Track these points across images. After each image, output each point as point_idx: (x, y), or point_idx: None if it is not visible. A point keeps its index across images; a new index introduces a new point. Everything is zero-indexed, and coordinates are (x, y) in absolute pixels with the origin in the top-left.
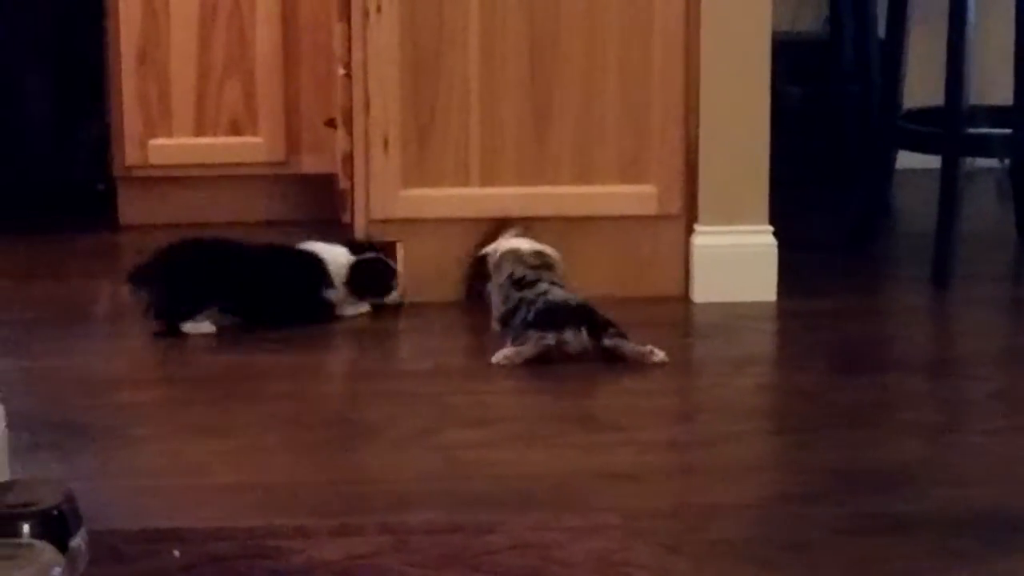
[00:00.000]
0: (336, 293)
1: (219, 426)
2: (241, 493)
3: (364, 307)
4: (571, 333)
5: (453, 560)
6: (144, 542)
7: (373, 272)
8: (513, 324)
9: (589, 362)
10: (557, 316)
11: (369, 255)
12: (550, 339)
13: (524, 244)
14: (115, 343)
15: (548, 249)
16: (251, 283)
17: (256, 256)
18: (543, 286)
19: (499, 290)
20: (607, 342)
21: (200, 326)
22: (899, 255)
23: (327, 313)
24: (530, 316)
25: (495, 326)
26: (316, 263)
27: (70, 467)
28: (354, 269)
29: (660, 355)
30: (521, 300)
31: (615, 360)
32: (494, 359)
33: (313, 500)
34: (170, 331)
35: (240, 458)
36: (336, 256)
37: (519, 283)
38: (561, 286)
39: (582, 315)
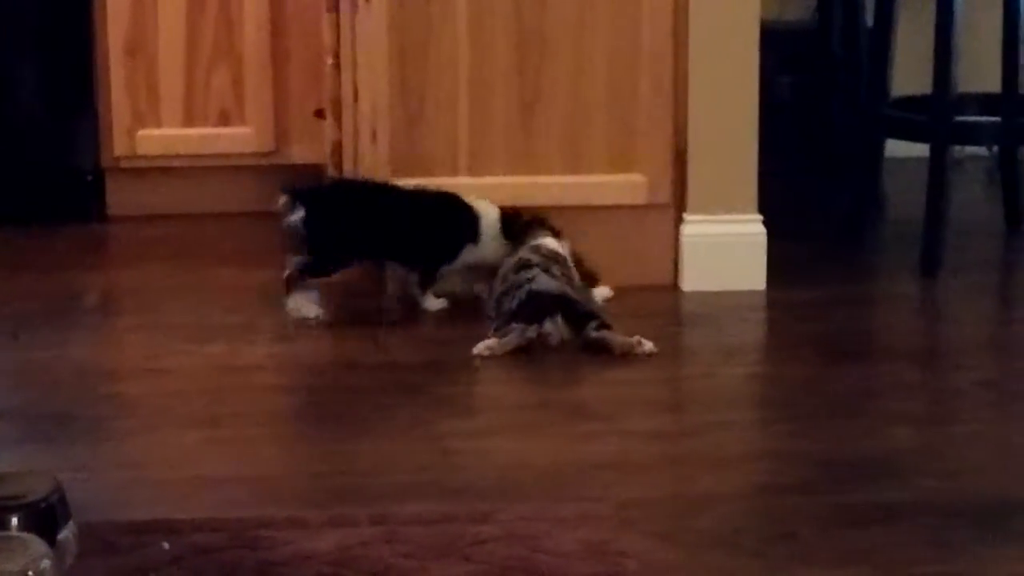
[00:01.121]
0: (475, 250)
1: (208, 418)
2: (231, 484)
3: (442, 304)
4: (551, 324)
5: (444, 550)
6: (133, 534)
7: (522, 220)
8: (502, 310)
9: (576, 352)
10: (539, 305)
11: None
12: (531, 332)
13: (550, 243)
14: (104, 334)
15: (567, 251)
16: (403, 233)
17: (416, 204)
18: (534, 271)
19: (500, 276)
20: (593, 334)
21: (309, 308)
22: (888, 244)
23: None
24: (513, 304)
25: (489, 311)
26: (472, 218)
27: (59, 459)
28: (504, 219)
29: (648, 346)
30: (512, 284)
31: (600, 352)
32: (475, 350)
33: (303, 491)
34: (312, 271)
35: (230, 449)
36: (488, 211)
37: (518, 266)
38: (556, 276)
39: (562, 305)
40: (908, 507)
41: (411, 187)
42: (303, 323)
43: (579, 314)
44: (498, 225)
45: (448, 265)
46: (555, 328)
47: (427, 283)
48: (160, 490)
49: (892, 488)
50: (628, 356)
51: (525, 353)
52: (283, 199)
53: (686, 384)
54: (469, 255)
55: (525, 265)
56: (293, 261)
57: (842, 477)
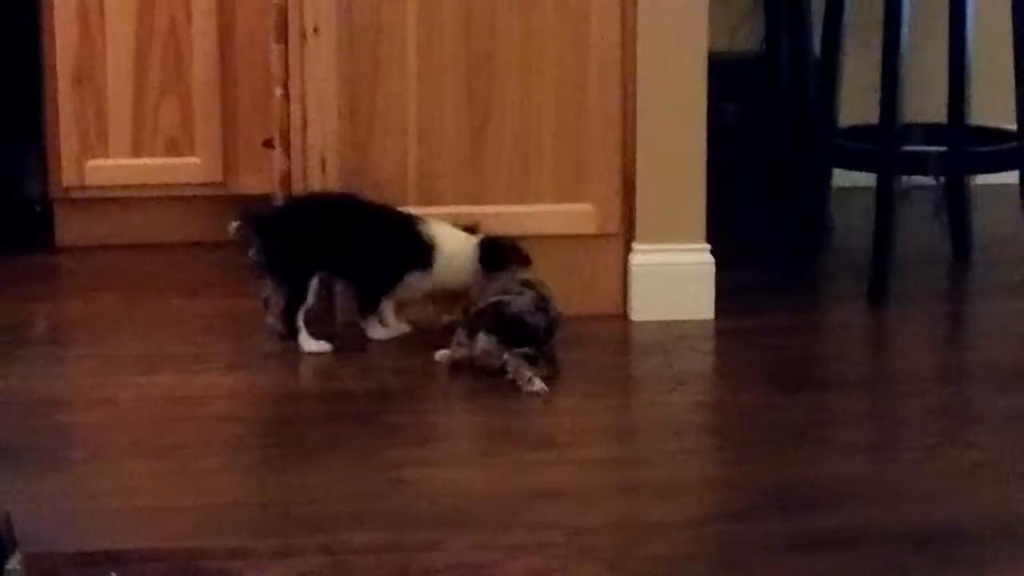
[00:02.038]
0: (422, 277)
1: (157, 448)
2: (179, 515)
3: (402, 330)
4: (484, 340)
5: None
6: (81, 564)
7: (503, 249)
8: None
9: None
10: (480, 320)
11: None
12: (466, 349)
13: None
14: (52, 365)
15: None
16: (363, 252)
17: (372, 224)
18: (524, 295)
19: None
20: (507, 356)
21: (320, 344)
22: (836, 273)
23: (392, 285)
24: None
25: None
26: (422, 245)
27: (6, 489)
28: (483, 247)
29: (538, 386)
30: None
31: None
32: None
33: (252, 521)
34: (291, 299)
35: (178, 480)
36: (454, 239)
37: (512, 286)
38: (520, 293)
39: (499, 323)
40: (857, 534)
41: (378, 204)
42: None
43: (510, 336)
44: (468, 254)
45: (389, 291)
46: (485, 343)
47: (367, 308)
48: (108, 520)
49: (841, 515)
50: (515, 384)
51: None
52: (235, 224)
53: (636, 413)
54: (417, 282)
55: (520, 287)
56: (274, 303)
57: (791, 505)
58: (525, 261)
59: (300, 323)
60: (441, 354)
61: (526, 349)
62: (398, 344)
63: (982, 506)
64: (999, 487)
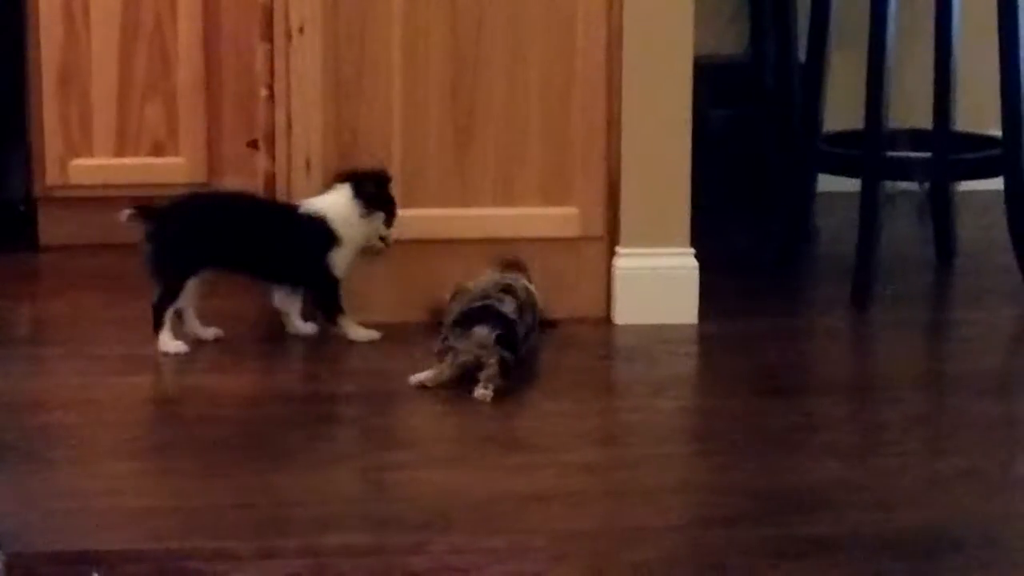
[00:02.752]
0: (342, 252)
1: (137, 448)
2: (160, 515)
3: (372, 334)
4: (482, 333)
5: None
6: (62, 564)
7: (372, 178)
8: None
9: (510, 384)
10: (473, 317)
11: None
12: (467, 355)
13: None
14: (34, 365)
15: (523, 286)
16: (254, 244)
17: (264, 215)
18: (506, 300)
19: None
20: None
21: (176, 344)
22: (820, 278)
23: (330, 279)
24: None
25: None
26: (321, 223)
27: None
28: (357, 186)
29: (488, 395)
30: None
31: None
32: (411, 380)
33: (232, 523)
34: (164, 294)
35: (159, 480)
36: (339, 208)
37: (495, 287)
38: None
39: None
40: (840, 540)
41: (274, 201)
42: (174, 358)
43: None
44: (347, 199)
45: (334, 280)
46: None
47: (332, 311)
48: (89, 521)
49: (824, 521)
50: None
51: (459, 384)
52: (126, 213)
53: (619, 417)
54: (340, 259)
55: (504, 289)
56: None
57: (775, 510)
58: (386, 180)
59: (166, 319)
60: (417, 378)
61: (509, 354)
62: (379, 346)
63: (965, 512)
64: (982, 493)
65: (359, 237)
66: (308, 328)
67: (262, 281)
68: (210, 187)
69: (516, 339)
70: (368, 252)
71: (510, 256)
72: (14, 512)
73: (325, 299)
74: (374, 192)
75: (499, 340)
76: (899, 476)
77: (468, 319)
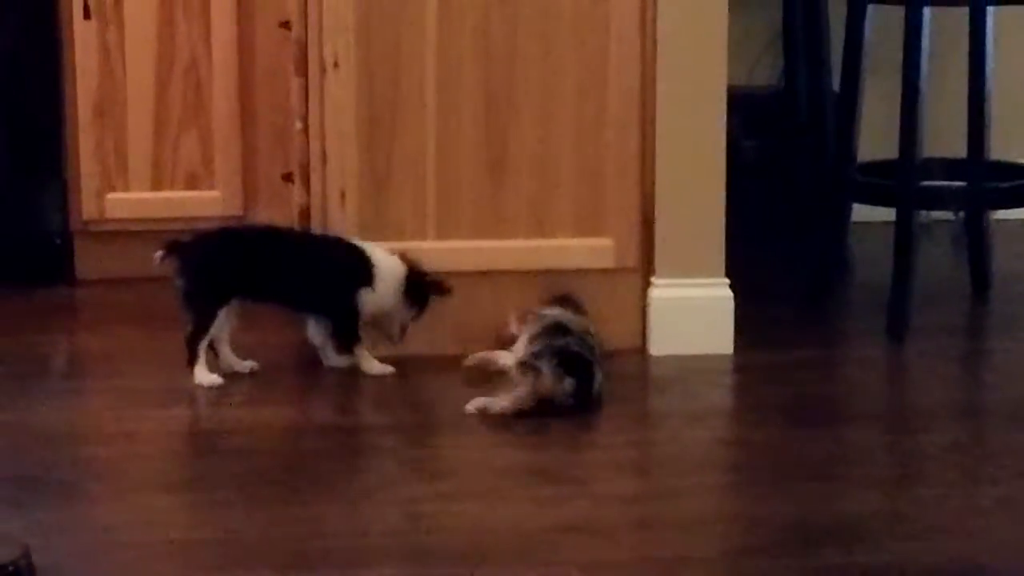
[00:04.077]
0: (373, 295)
1: (176, 481)
2: (198, 548)
3: (386, 369)
4: (569, 381)
5: None
6: None
7: (428, 284)
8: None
9: (545, 415)
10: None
11: (420, 268)
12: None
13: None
14: (72, 398)
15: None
16: (283, 274)
17: (293, 245)
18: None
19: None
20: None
21: (211, 378)
22: (855, 308)
23: (353, 313)
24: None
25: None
26: (365, 261)
27: (26, 523)
28: (413, 274)
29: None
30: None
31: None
32: (469, 406)
33: (271, 555)
34: (197, 326)
35: (196, 513)
36: (388, 260)
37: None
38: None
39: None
40: (876, 571)
41: (305, 231)
42: (209, 390)
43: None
44: (398, 280)
45: (356, 316)
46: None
47: (349, 343)
48: (128, 554)
49: (860, 552)
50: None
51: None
52: (159, 254)
53: (654, 448)
54: (369, 302)
55: (562, 329)
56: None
57: (811, 541)
58: (446, 292)
59: (200, 352)
60: (485, 402)
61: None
62: (414, 378)
63: (1003, 543)
64: (1020, 524)
65: (389, 300)
66: (343, 361)
67: (291, 311)
68: (242, 221)
69: (590, 394)
70: (380, 328)
71: (563, 292)
72: (52, 546)
73: (344, 330)
74: (423, 291)
75: (577, 391)
76: (937, 506)
77: (562, 355)
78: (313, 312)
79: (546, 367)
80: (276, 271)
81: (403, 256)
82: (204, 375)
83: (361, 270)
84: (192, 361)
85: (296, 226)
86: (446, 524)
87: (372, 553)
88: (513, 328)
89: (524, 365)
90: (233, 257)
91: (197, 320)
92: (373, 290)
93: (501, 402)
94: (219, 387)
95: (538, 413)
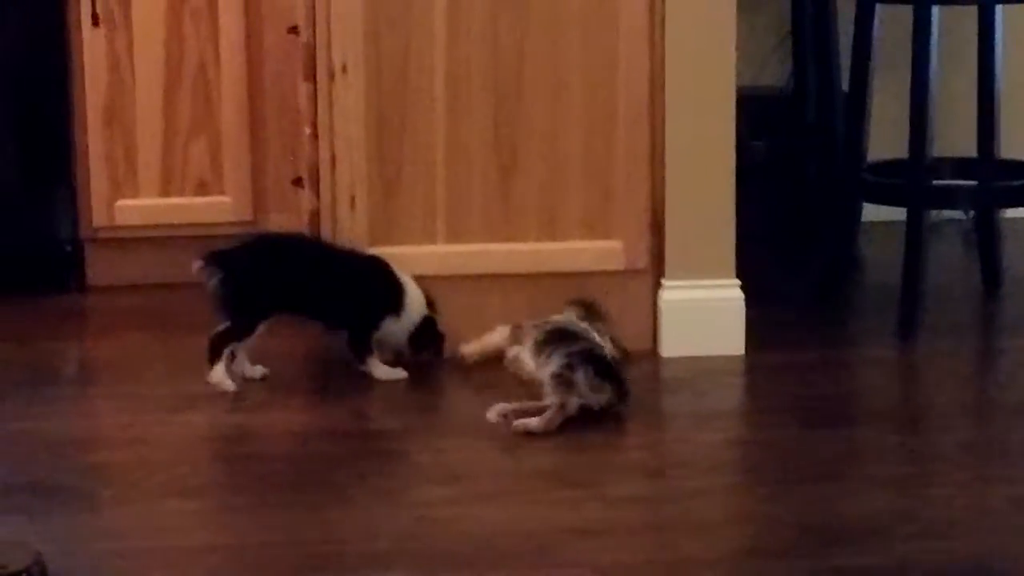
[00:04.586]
0: (394, 323)
1: (187, 487)
2: (210, 554)
3: (398, 373)
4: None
5: None
6: None
7: (434, 334)
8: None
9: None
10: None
11: (435, 313)
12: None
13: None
14: (83, 404)
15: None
16: (324, 289)
17: (341, 263)
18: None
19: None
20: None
21: (227, 383)
22: (865, 308)
23: (372, 326)
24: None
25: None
26: (398, 289)
27: (39, 530)
28: (424, 324)
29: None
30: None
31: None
32: (515, 427)
33: (283, 560)
34: (230, 331)
35: (208, 519)
36: (416, 295)
37: (564, 333)
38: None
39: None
40: (890, 571)
41: (343, 246)
42: (221, 395)
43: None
44: (418, 320)
45: (374, 332)
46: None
47: (362, 353)
48: (140, 560)
49: (873, 552)
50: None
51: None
52: (198, 264)
53: (666, 449)
54: (390, 326)
55: (573, 335)
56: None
57: (823, 541)
58: (439, 354)
59: (223, 353)
60: (523, 424)
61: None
62: (425, 382)
63: (1014, 543)
64: None
65: (403, 332)
66: (395, 373)
67: (319, 325)
68: (258, 226)
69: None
70: (389, 347)
71: (588, 299)
72: (64, 552)
73: (359, 340)
74: (426, 339)
75: (618, 395)
76: (948, 505)
77: (597, 362)
78: (339, 328)
79: (581, 377)
80: (316, 288)
81: (426, 294)
82: (221, 377)
83: (393, 298)
84: (213, 360)
85: (330, 238)
86: (458, 528)
87: (384, 557)
88: (498, 338)
89: (559, 378)
90: (278, 270)
91: (234, 327)
92: (398, 319)
93: (532, 423)
94: (233, 393)
95: (579, 421)
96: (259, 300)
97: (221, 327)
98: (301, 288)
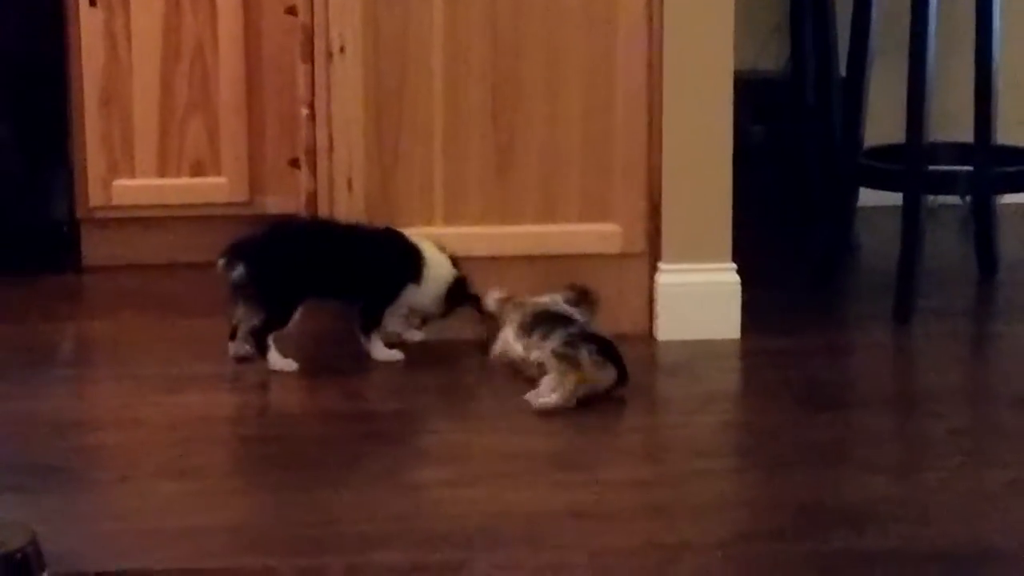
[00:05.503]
0: (416, 291)
1: (184, 468)
2: (205, 534)
3: (395, 355)
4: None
5: None
6: None
7: (467, 293)
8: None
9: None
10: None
11: (464, 275)
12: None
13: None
14: (78, 385)
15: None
16: (350, 269)
17: (356, 238)
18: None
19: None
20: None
21: (287, 362)
22: (862, 292)
23: (388, 301)
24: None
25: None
26: (416, 258)
27: (34, 510)
28: (456, 284)
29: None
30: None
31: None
32: (536, 405)
33: (278, 541)
34: (268, 326)
35: (204, 499)
36: (438, 258)
37: (554, 316)
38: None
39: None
40: (885, 555)
41: (352, 223)
42: (286, 375)
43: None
44: (446, 283)
45: (389, 305)
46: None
47: (370, 326)
48: (135, 540)
49: (869, 535)
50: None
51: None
52: (221, 262)
53: (662, 433)
54: (411, 296)
55: (560, 317)
56: (251, 321)
57: (819, 525)
58: (481, 310)
59: (270, 342)
60: (542, 401)
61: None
62: (422, 364)
63: (1010, 526)
64: None
65: (428, 297)
66: (392, 354)
67: (342, 304)
68: (254, 207)
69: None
70: (403, 317)
71: (583, 286)
72: (60, 532)
73: (371, 313)
74: (461, 299)
75: (619, 377)
76: (944, 490)
77: (599, 343)
78: (359, 302)
79: (585, 356)
80: (341, 268)
81: (451, 257)
82: (279, 361)
83: (412, 266)
84: (263, 352)
85: (350, 219)
86: (453, 510)
87: (380, 538)
88: (491, 304)
89: (561, 356)
90: (307, 255)
91: (270, 317)
92: (418, 286)
93: (550, 398)
94: (229, 374)
95: (583, 404)
96: (292, 288)
97: (257, 320)
98: (328, 270)
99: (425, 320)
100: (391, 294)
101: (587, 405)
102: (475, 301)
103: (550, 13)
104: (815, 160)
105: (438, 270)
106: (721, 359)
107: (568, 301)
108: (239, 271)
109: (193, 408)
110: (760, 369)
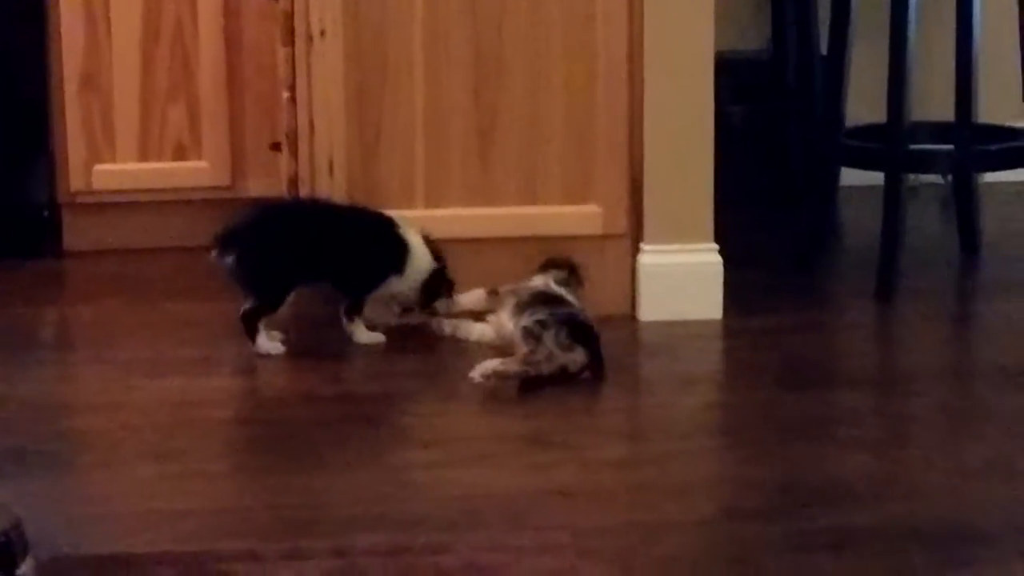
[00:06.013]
0: (398, 281)
1: (166, 451)
2: (188, 518)
3: (376, 338)
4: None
5: None
6: (91, 568)
7: (444, 283)
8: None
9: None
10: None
11: (444, 264)
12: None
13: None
14: (60, 369)
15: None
16: (340, 254)
17: (347, 224)
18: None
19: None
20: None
21: (273, 345)
22: (843, 272)
23: (371, 287)
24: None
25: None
26: (403, 249)
27: (16, 494)
28: (433, 276)
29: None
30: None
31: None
32: (478, 373)
33: (262, 524)
34: (258, 311)
35: (187, 483)
36: (421, 249)
37: (545, 298)
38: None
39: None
40: (867, 532)
41: (347, 205)
42: (270, 359)
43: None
44: (426, 273)
45: (371, 292)
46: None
47: (353, 311)
48: (118, 524)
49: (851, 513)
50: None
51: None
52: (213, 253)
53: (644, 412)
54: (393, 286)
55: (555, 299)
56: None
57: (801, 503)
58: (450, 287)
59: (260, 326)
60: (485, 364)
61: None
62: (404, 347)
63: (992, 504)
64: (1009, 485)
65: (408, 287)
66: (374, 337)
67: (333, 289)
68: (235, 191)
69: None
70: (399, 303)
71: (561, 257)
72: (43, 516)
73: (355, 299)
74: (439, 289)
75: (591, 361)
76: (925, 468)
77: (571, 324)
78: (344, 288)
79: (549, 336)
80: (332, 253)
81: (434, 246)
82: (267, 344)
83: (397, 256)
84: (252, 335)
85: (341, 200)
86: (436, 491)
87: (363, 521)
88: (474, 299)
89: (527, 331)
90: (296, 240)
91: (261, 302)
92: (401, 276)
93: (508, 365)
94: (211, 358)
95: (552, 384)
96: (283, 273)
97: (248, 305)
98: (319, 255)
99: (405, 309)
100: (374, 283)
101: (562, 387)
102: (450, 287)
103: None
104: (797, 140)
105: (419, 262)
106: (703, 339)
107: (559, 281)
108: (231, 260)
109: (176, 392)
110: (742, 349)
